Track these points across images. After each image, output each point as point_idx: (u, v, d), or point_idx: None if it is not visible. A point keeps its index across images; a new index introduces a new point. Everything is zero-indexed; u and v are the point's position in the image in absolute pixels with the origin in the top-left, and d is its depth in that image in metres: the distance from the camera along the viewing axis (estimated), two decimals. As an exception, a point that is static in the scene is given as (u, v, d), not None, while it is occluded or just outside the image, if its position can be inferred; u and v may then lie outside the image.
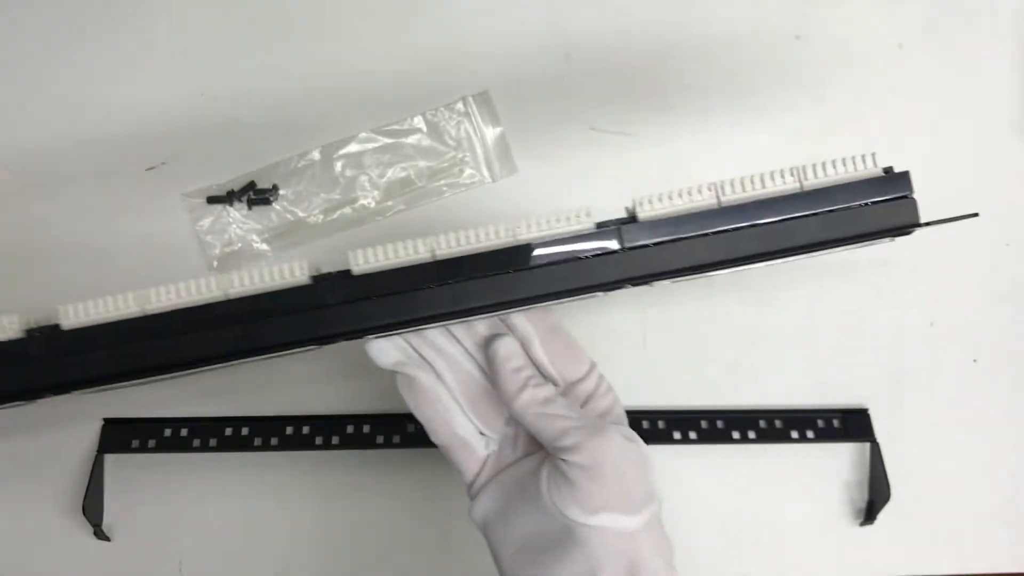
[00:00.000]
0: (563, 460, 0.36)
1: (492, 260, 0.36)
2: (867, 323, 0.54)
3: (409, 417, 0.50)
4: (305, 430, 0.50)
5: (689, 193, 0.36)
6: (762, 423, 0.52)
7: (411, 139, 0.54)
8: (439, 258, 0.36)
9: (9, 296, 0.51)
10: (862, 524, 0.51)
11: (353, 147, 0.54)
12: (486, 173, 0.54)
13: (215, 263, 0.52)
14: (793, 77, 0.57)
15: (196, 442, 0.49)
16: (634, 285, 0.38)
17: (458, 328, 0.41)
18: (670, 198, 0.36)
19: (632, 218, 0.37)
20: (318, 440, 0.50)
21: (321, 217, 0.53)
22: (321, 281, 0.36)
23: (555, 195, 0.54)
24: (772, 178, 0.36)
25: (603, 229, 0.36)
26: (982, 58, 0.58)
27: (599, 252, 0.36)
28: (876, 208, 0.36)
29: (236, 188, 0.53)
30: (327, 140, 0.54)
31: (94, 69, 0.54)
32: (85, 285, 0.51)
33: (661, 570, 0.35)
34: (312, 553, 0.50)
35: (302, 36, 0.55)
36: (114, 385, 0.38)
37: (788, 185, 0.36)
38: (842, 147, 0.50)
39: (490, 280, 0.35)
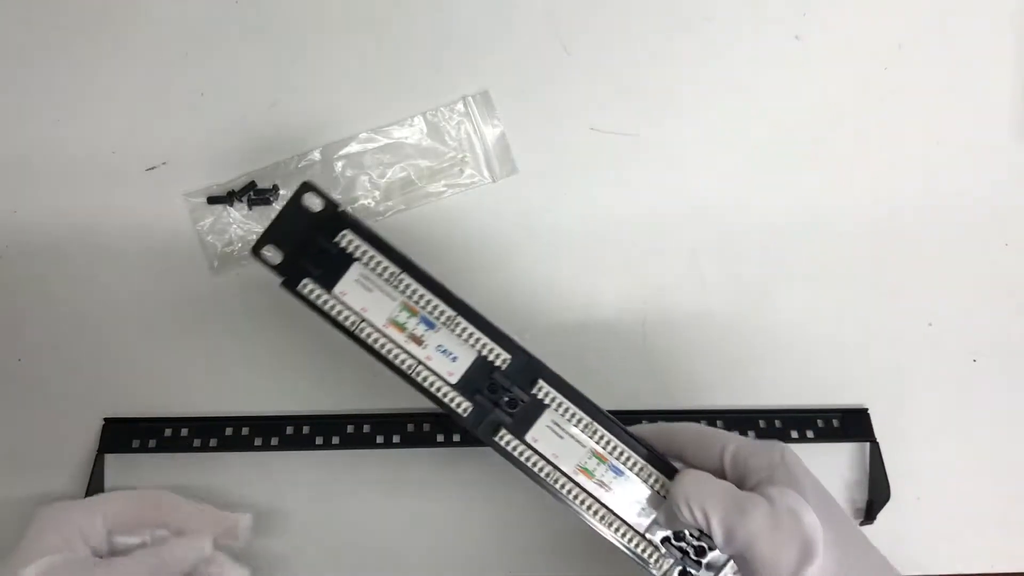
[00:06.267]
0: None
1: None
2: (866, 323, 0.54)
3: (409, 417, 0.51)
4: (305, 430, 0.50)
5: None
6: (762, 423, 0.52)
7: (411, 139, 0.54)
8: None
9: (10, 296, 0.51)
10: (862, 523, 0.51)
11: (353, 147, 0.54)
12: (486, 173, 0.54)
13: (216, 263, 0.52)
14: (793, 77, 0.57)
15: (196, 442, 0.49)
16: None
17: None
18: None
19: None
20: (318, 440, 0.50)
21: (321, 217, 0.53)
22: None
23: (555, 195, 0.54)
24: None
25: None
26: (982, 58, 0.58)
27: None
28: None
29: (237, 188, 0.53)
30: (327, 140, 0.54)
31: (94, 69, 0.54)
32: (85, 285, 0.52)
33: None
34: (311, 552, 0.50)
35: (302, 36, 0.55)
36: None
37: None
38: (841, 147, 0.51)
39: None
